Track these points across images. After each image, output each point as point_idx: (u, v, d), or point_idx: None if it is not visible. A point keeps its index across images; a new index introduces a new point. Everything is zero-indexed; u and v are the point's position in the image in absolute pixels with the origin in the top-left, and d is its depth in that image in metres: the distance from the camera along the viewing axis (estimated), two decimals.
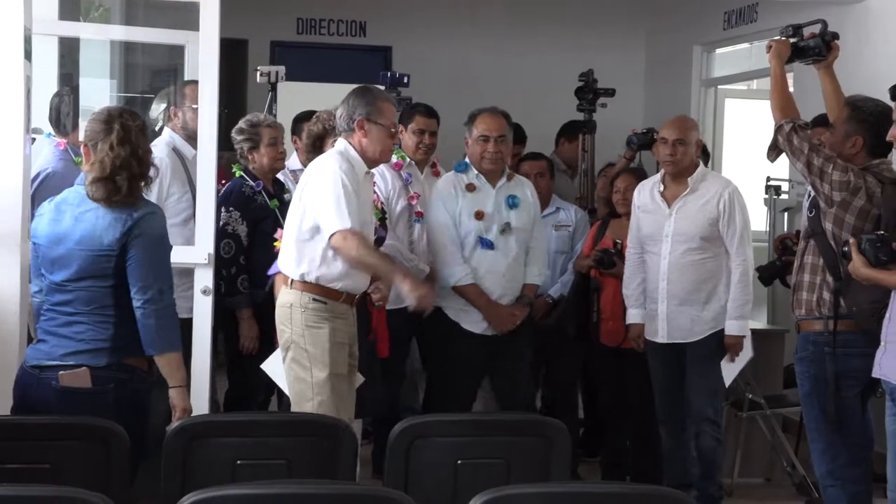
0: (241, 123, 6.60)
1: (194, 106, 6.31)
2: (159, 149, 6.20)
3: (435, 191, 6.58)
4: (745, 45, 11.21)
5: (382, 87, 7.82)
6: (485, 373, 6.59)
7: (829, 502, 5.56)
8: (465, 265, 6.30)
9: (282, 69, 8.66)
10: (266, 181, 6.62)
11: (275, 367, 5.60)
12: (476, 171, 6.41)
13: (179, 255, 6.00)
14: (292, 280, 5.38)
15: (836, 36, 5.73)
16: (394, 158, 6.70)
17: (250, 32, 11.41)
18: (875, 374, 4.90)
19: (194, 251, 5.79)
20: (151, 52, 8.53)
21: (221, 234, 6.37)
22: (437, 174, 7.13)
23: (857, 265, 4.79)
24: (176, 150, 6.35)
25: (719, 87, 11.58)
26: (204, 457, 4.01)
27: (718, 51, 11.55)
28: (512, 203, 6.40)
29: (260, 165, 6.56)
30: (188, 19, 5.97)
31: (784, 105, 5.58)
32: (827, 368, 5.26)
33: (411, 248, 6.77)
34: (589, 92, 8.32)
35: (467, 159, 6.51)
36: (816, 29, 5.76)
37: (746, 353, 6.37)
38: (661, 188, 6.34)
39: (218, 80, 5.83)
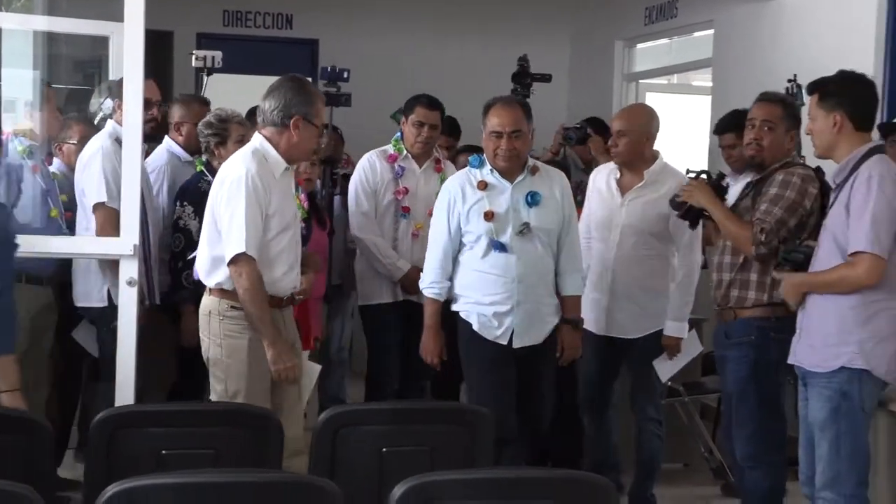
0: (210, 118, 6.43)
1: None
2: (101, 140, 6.17)
3: (443, 189, 5.87)
4: (666, 41, 11.33)
5: (324, 82, 7.79)
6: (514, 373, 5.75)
7: (749, 484, 5.67)
8: (442, 279, 5.74)
9: (218, 54, 8.52)
10: None
11: None
12: (491, 167, 5.70)
13: (105, 247, 5.97)
14: (210, 288, 5.25)
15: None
16: (390, 150, 6.60)
17: (176, 24, 11.39)
18: (790, 360, 5.06)
19: (119, 242, 5.67)
20: (76, 43, 8.42)
21: (174, 227, 6.36)
22: (439, 170, 6.83)
23: (788, 279, 4.93)
24: (119, 142, 6.26)
25: (640, 81, 11.72)
26: (128, 447, 3.99)
27: (639, 46, 11.70)
28: (532, 200, 5.64)
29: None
30: (113, 10, 5.87)
31: (737, 235, 5.45)
32: (771, 354, 5.35)
33: (395, 244, 6.60)
34: (526, 77, 8.32)
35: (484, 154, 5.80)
36: None
37: (695, 348, 6.43)
38: (618, 175, 6.22)
39: (143, 71, 5.77)
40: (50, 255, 6.00)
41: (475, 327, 5.70)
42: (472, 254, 5.70)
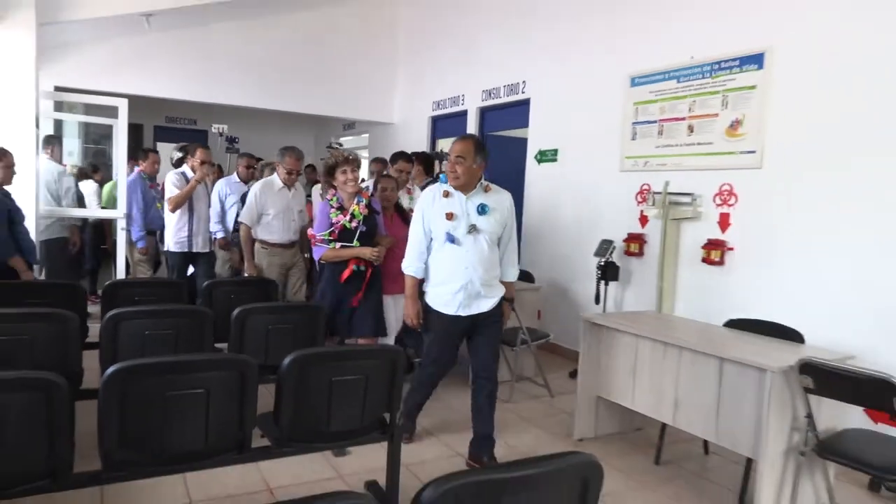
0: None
1: (199, 160, 5.07)
2: (178, 174, 5.10)
3: (421, 196, 3.68)
4: (352, 137, 11.23)
5: (227, 144, 7.22)
6: (460, 343, 3.65)
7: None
8: (417, 262, 3.58)
9: (226, 126, 7.54)
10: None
11: None
12: None
13: (110, 213, 5.65)
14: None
15: None
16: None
17: (144, 119, 10.69)
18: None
19: (116, 212, 5.45)
20: (99, 126, 7.86)
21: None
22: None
23: None
24: (184, 174, 5.12)
25: None
26: (120, 295, 3.59)
27: (342, 139, 11.63)
28: (481, 210, 3.53)
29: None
30: (113, 113, 5.62)
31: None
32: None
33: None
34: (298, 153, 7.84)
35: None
36: None
37: None
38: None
39: (127, 142, 5.53)
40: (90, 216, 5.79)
41: (434, 306, 3.57)
42: (436, 246, 3.60)
